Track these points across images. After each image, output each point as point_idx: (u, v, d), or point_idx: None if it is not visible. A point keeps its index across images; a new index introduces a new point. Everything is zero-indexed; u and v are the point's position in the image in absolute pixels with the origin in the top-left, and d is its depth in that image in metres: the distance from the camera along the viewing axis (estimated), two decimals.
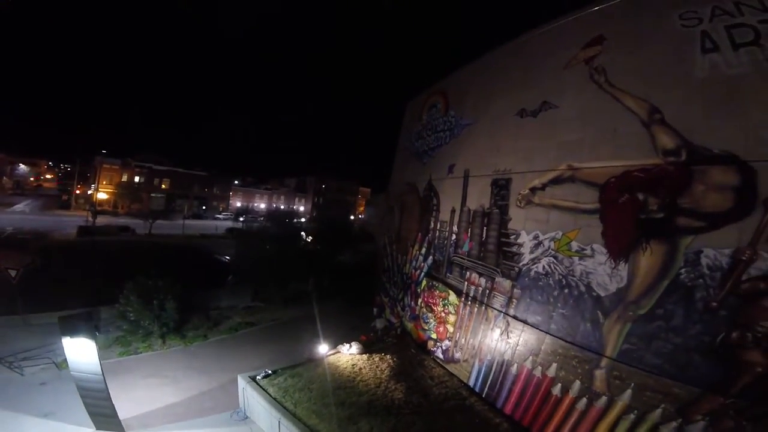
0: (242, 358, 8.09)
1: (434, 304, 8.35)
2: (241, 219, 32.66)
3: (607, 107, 5.37)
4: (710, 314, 4.02)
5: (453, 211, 8.03)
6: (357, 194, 58.17)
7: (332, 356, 7.96)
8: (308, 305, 10.70)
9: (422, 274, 8.87)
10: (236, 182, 49.77)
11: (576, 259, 5.34)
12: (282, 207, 51.59)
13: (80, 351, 4.82)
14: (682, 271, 4.26)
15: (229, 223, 32.56)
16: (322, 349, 7.81)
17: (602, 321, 4.97)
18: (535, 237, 6.01)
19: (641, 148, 4.81)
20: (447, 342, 7.90)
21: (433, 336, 8.33)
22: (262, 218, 31.93)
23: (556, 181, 5.78)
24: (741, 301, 3.84)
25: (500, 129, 7.20)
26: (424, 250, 9.02)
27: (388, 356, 8.23)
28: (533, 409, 5.73)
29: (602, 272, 5.01)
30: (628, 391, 4.61)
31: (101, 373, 4.95)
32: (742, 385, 3.74)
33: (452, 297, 7.77)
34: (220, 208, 44.88)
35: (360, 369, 7.57)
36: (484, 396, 6.75)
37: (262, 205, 50.02)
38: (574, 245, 5.38)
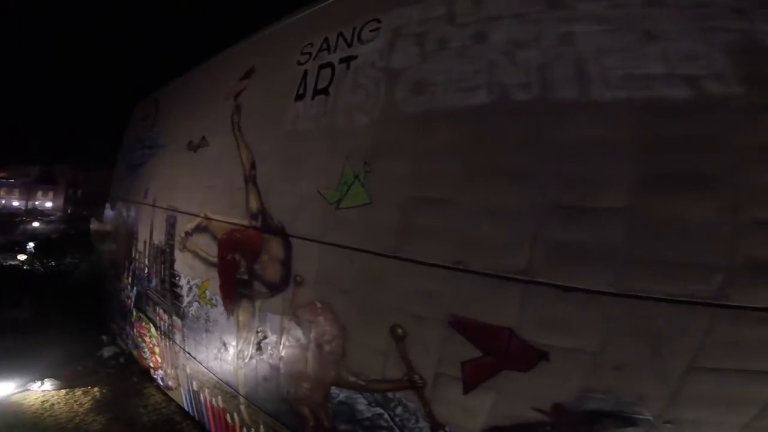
0: None
1: (144, 334, 8.18)
2: None
3: (233, 154, 5.38)
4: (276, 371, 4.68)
5: (145, 243, 7.74)
6: None
7: (18, 395, 7.38)
8: (18, 335, 9.29)
9: (132, 303, 8.50)
10: None
11: (210, 306, 5.66)
12: (16, 204, 41.66)
13: None
14: (260, 329, 4.84)
15: None
16: (4, 388, 7.25)
17: (230, 363, 5.43)
18: (188, 281, 6.19)
19: (241, 206, 5.04)
20: (161, 371, 7.86)
21: (151, 364, 8.22)
22: None
23: (198, 229, 5.95)
24: None
25: (177, 159, 6.98)
26: (130, 280, 8.61)
27: (96, 388, 7.98)
28: None
29: (223, 321, 5.44)
30: (262, 427, 5.22)
31: None
32: None
33: (153, 330, 7.71)
34: None
35: (52, 405, 7.24)
36: (197, 419, 7.03)
37: None
38: (208, 294, 5.68)
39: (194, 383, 6.67)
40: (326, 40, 4.58)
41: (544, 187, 2.61)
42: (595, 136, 2.49)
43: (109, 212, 10.55)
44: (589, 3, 2.74)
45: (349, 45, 4.27)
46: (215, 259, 5.49)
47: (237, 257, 5.07)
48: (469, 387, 3.05)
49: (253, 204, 4.80)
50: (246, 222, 4.89)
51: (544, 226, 2.60)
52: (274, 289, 4.56)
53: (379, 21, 4.06)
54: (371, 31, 4.09)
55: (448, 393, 3.17)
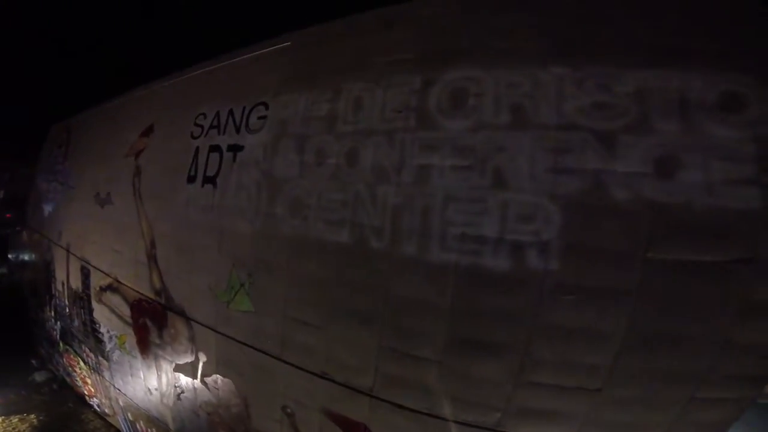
0: None
1: (74, 366, 7.80)
2: None
3: (135, 224, 5.03)
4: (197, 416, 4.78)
5: (63, 284, 7.20)
6: None
7: None
8: None
9: (58, 336, 7.97)
10: None
11: (130, 357, 5.53)
12: None
13: None
14: (176, 385, 4.92)
15: None
16: None
17: (158, 404, 5.45)
18: (108, 331, 5.96)
19: (146, 280, 4.87)
20: (95, 398, 7.60)
21: (86, 392, 7.92)
22: None
23: (111, 288, 5.68)
24: None
25: (87, 209, 6.40)
26: (53, 314, 8.02)
27: (32, 415, 7.72)
28: None
29: (145, 371, 5.47)
30: None
31: None
32: None
33: (82, 363, 7.34)
34: None
35: None
36: None
37: None
38: (127, 346, 5.55)
39: (129, 414, 6.61)
40: (218, 115, 4.21)
41: (385, 333, 2.87)
42: (425, 297, 2.68)
43: (25, 239, 9.49)
44: (456, 121, 2.59)
45: (237, 130, 3.95)
46: (129, 320, 5.29)
47: (148, 323, 4.95)
48: None
49: (156, 282, 4.67)
50: (152, 295, 4.74)
51: (383, 361, 2.92)
52: (184, 356, 4.56)
53: (266, 107, 3.77)
54: (259, 118, 3.79)
55: None
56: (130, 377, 5.89)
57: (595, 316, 2.22)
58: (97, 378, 7.01)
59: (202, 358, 4.29)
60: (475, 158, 2.51)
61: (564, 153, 2.26)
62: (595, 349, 2.27)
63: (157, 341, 4.89)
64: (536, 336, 2.37)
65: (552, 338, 2.34)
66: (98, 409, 7.77)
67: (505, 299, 2.41)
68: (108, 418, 7.60)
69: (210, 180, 4.07)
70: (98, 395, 7.42)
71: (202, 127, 4.38)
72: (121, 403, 6.64)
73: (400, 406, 2.92)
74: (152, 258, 4.71)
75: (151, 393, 5.52)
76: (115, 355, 6.01)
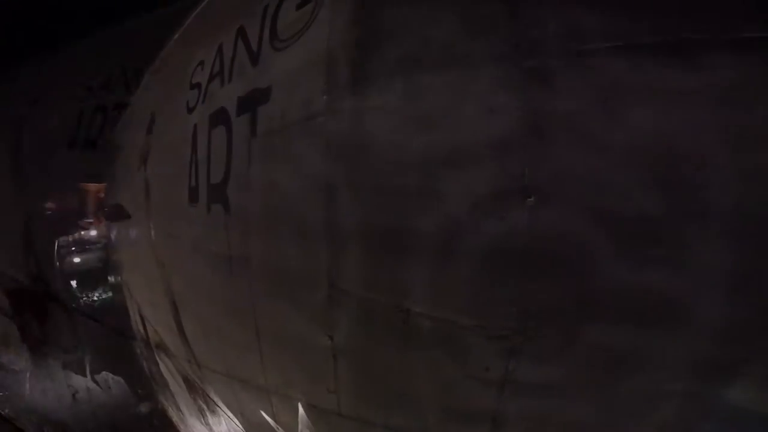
0: None
1: None
2: None
3: (11, 199, 4.14)
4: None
5: None
6: None
7: None
8: None
9: None
10: None
11: (18, 357, 4.62)
12: None
13: None
14: (69, 384, 4.14)
15: None
16: None
17: (59, 405, 4.55)
18: None
19: (23, 265, 3.99)
20: None
21: None
22: None
23: None
24: None
25: None
26: None
27: None
28: None
29: (37, 371, 4.63)
30: None
31: None
32: None
33: None
34: None
35: None
36: None
37: None
38: (13, 342, 4.61)
39: (32, 417, 5.66)
40: (110, 74, 3.49)
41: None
42: None
43: None
44: None
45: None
46: (9, 311, 4.39)
47: (28, 315, 4.12)
48: None
49: (33, 267, 3.81)
50: (30, 283, 3.90)
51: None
52: (69, 352, 3.82)
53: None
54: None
55: None
56: (23, 376, 4.97)
57: None
58: None
59: (88, 353, 3.56)
60: None
61: None
62: None
63: (41, 335, 4.06)
64: None
65: None
66: (2, 413, 6.68)
67: None
68: (15, 422, 6.55)
69: (91, 144, 3.34)
70: None
71: (91, 89, 3.62)
72: (21, 405, 5.69)
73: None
74: (29, 239, 3.84)
75: (46, 394, 4.67)
76: (15, 366, 5.04)
